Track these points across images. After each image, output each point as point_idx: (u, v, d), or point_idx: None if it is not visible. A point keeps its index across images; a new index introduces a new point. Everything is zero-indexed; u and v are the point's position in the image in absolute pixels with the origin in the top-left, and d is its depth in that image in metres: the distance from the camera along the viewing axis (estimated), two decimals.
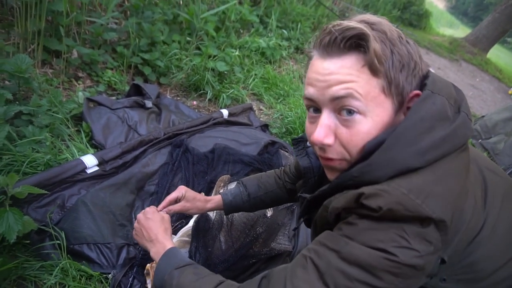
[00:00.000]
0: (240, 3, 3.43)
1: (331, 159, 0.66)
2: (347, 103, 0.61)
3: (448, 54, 8.44)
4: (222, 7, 2.75)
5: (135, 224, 0.98)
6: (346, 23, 0.61)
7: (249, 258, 1.28)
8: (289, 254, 1.40)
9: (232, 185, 1.49)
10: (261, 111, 2.56)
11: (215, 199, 1.14)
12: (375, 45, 0.59)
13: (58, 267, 1.05)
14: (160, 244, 0.90)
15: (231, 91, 2.43)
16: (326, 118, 0.64)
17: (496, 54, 11.46)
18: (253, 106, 2.44)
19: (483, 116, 3.93)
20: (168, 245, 0.89)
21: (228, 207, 1.14)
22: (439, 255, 0.61)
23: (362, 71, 0.61)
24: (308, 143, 0.88)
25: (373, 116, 0.62)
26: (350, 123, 0.62)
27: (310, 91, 0.66)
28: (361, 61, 0.61)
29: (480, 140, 3.55)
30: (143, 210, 1.01)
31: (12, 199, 1.04)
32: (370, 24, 0.61)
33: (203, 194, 1.48)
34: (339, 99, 0.62)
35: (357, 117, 0.62)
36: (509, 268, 0.70)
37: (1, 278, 1.00)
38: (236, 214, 1.38)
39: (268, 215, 1.45)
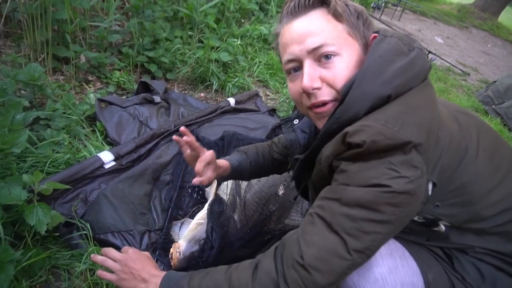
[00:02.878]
0: None
1: (325, 103, 0.73)
2: (323, 50, 0.71)
3: (457, 22, 8.22)
4: None
5: (117, 267, 0.88)
6: None
7: (264, 234, 1.34)
8: None
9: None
10: (268, 96, 2.60)
11: (222, 164, 1.12)
12: None
13: (86, 254, 1.13)
14: (158, 277, 0.84)
15: (236, 79, 2.48)
16: (309, 67, 0.73)
17: (508, 17, 11.09)
18: (260, 92, 2.48)
19: (494, 82, 3.86)
20: (163, 274, 0.86)
21: (234, 172, 1.14)
22: (428, 178, 0.66)
23: (329, 20, 0.72)
24: (295, 121, 0.95)
25: (348, 55, 0.72)
26: (330, 64, 0.71)
27: (291, 51, 0.74)
28: (325, 12, 0.73)
29: (493, 106, 3.49)
30: (125, 252, 0.92)
31: (39, 196, 1.13)
32: None
33: (216, 180, 1.55)
34: (317, 49, 0.71)
35: (335, 59, 0.71)
36: (503, 189, 0.75)
37: (37, 268, 1.09)
38: (248, 195, 1.44)
39: (280, 193, 1.51)
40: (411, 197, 0.62)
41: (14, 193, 1.05)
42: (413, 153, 0.62)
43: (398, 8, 7.15)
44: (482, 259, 0.78)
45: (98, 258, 0.92)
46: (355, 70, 0.71)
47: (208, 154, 1.01)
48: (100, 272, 0.91)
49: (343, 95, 0.68)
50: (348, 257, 0.63)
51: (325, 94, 0.73)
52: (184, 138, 0.95)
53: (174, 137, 0.99)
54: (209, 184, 1.04)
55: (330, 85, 0.72)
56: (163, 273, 0.85)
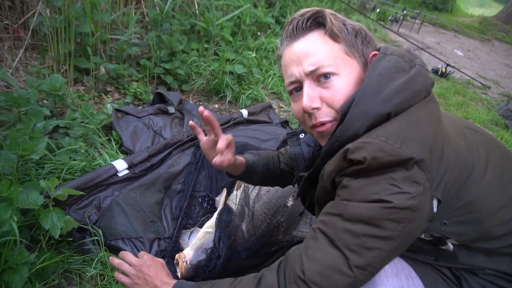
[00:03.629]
0: (255, 6, 3.52)
1: (323, 124, 0.75)
2: (321, 71, 0.73)
3: (479, 35, 8.09)
4: (236, 12, 2.85)
5: (132, 272, 0.93)
6: (301, 11, 0.76)
7: (271, 245, 1.35)
8: None
9: None
10: (281, 108, 2.63)
11: (239, 157, 1.11)
12: (330, 17, 0.73)
13: (97, 259, 1.17)
14: (169, 286, 0.88)
15: (250, 91, 2.51)
16: (308, 87, 0.75)
17: None
18: (273, 104, 2.51)
19: None
20: (174, 282, 0.90)
21: (247, 170, 1.11)
22: (432, 194, 0.65)
23: (326, 41, 0.74)
24: (301, 135, 0.97)
25: (346, 74, 0.73)
26: (329, 84, 0.73)
27: (291, 72, 0.77)
28: (322, 34, 0.74)
29: None
30: (141, 257, 0.96)
31: (55, 201, 1.17)
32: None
33: (226, 189, 1.58)
34: (314, 70, 0.73)
35: (333, 78, 0.73)
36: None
37: (50, 271, 1.13)
38: (257, 205, 1.45)
39: (289, 204, 1.51)
40: (413, 213, 0.62)
41: (32, 198, 1.10)
42: (415, 169, 0.62)
43: (417, 21, 7.10)
44: (492, 281, 0.76)
45: (115, 261, 0.96)
46: (355, 89, 0.72)
47: (229, 135, 0.96)
48: (116, 274, 0.96)
49: (342, 114, 0.69)
50: (349, 273, 0.63)
51: (324, 115, 0.74)
52: (205, 113, 0.88)
53: (191, 122, 0.94)
54: (228, 167, 0.99)
55: (329, 105, 0.73)
56: (174, 281, 0.89)
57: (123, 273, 0.96)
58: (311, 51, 0.73)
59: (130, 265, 0.95)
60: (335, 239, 0.65)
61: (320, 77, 0.73)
